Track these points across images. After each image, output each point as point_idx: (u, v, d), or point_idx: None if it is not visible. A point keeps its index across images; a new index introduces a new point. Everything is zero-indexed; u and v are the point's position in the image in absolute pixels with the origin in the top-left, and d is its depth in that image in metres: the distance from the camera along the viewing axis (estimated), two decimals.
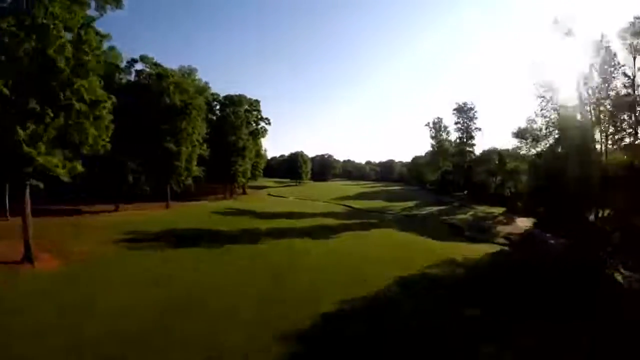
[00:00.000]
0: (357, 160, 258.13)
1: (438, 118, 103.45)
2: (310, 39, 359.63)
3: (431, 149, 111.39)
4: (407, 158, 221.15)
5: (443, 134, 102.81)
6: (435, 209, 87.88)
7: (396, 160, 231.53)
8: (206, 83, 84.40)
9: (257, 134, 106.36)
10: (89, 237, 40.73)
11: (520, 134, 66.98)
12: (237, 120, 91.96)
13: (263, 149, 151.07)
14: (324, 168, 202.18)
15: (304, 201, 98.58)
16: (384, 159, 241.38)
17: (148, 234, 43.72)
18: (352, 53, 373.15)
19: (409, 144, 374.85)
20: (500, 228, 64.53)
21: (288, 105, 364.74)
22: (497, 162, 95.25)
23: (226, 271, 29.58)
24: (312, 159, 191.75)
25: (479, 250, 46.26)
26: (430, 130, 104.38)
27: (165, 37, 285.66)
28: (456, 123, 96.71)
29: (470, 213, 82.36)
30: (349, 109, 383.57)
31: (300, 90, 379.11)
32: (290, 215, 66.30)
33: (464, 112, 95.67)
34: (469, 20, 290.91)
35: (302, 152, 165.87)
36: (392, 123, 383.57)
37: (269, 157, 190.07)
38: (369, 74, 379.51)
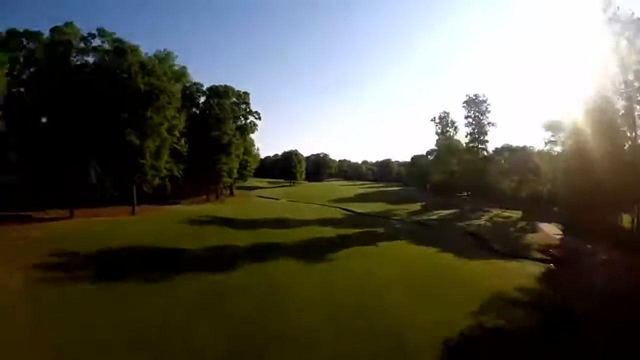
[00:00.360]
0: (353, 160, 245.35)
1: (445, 112, 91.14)
2: (307, 38, 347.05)
3: (436, 146, 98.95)
4: (404, 157, 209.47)
5: (451, 129, 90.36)
6: (445, 212, 75.72)
7: (393, 159, 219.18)
8: (184, 67, 71.45)
9: (246, 130, 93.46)
10: (4, 259, 28.34)
11: (552, 127, 55.45)
12: (221, 113, 79.34)
13: (255, 147, 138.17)
14: (319, 168, 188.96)
15: (296, 204, 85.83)
16: (380, 159, 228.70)
17: (80, 256, 31.08)
18: (349, 53, 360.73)
19: (406, 144, 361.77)
20: (529, 238, 52.98)
21: (284, 104, 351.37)
22: (510, 160, 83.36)
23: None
24: (307, 158, 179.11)
25: (523, 271, 34.48)
26: (436, 126, 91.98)
27: (164, 37, 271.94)
28: (466, 117, 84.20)
29: (486, 218, 70.58)
30: (345, 108, 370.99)
31: (297, 89, 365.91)
32: (279, 223, 53.69)
33: (475, 104, 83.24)
34: (470, 20, 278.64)
35: (296, 150, 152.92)
36: (389, 122, 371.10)
37: (262, 157, 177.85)
38: (366, 74, 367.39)
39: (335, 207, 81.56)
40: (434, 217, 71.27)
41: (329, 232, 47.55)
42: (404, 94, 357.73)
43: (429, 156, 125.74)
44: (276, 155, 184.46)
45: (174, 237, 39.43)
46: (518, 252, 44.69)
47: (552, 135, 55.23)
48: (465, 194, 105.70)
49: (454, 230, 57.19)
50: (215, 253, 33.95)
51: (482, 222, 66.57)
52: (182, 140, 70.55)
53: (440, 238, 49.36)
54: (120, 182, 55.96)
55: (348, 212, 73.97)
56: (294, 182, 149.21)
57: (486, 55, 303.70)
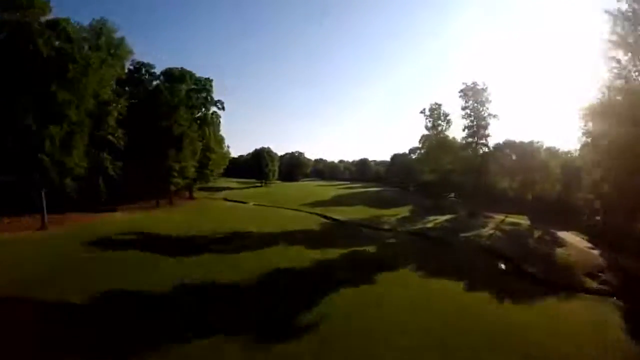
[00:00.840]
0: (329, 159, 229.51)
1: (436, 104, 77.20)
2: (284, 37, 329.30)
3: (419, 143, 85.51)
4: (381, 157, 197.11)
5: (443, 123, 76.79)
6: (441, 219, 62.57)
7: (370, 159, 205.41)
8: (122, 39, 55.49)
9: (206, 121, 77.75)
10: None
11: (592, 114, 42.74)
12: (174, 100, 63.65)
13: (225, 145, 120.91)
14: (293, 167, 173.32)
15: (265, 210, 70.47)
16: (357, 158, 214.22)
17: None
18: (328, 51, 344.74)
19: (384, 143, 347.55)
20: (561, 254, 41.42)
21: (259, 102, 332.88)
22: (513, 157, 70.97)
23: None
24: (282, 157, 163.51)
25: (599, 320, 22.36)
26: (427, 119, 77.97)
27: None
28: (463, 108, 70.49)
29: (492, 226, 57.85)
30: (322, 106, 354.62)
31: (272, 86, 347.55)
32: (234, 240, 38.74)
33: (474, 94, 70.01)
34: (465, 18, 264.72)
35: (268, 148, 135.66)
36: (366, 121, 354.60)
37: (236, 156, 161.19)
38: (344, 73, 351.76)
39: (311, 212, 66.89)
40: (430, 224, 57.95)
41: (302, 256, 32.87)
42: (382, 93, 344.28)
43: (411, 154, 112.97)
44: (249, 154, 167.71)
45: (40, 279, 23.77)
46: (563, 279, 32.33)
47: (585, 125, 42.48)
48: (453, 195, 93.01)
49: (464, 245, 43.88)
50: (93, 312, 18.77)
51: (490, 231, 53.71)
52: (119, 131, 55.05)
53: (454, 260, 35.84)
54: (21, 182, 40.37)
55: (326, 220, 59.50)
56: (265, 183, 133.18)
57: (476, 53, 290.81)
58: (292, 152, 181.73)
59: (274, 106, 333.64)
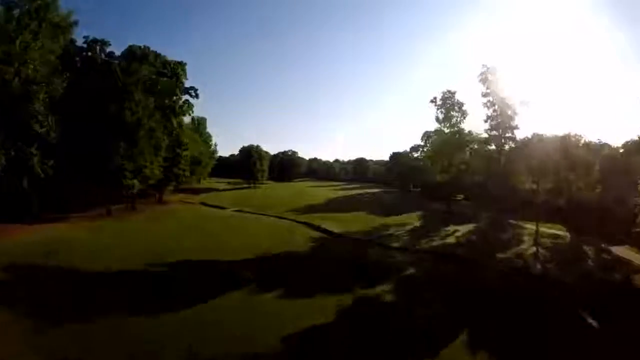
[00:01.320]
0: (324, 158, 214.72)
1: (449, 92, 63.97)
2: (279, 28, 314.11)
3: (422, 141, 72.93)
4: (379, 156, 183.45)
5: (457, 114, 63.58)
6: (462, 230, 49.82)
7: (368, 158, 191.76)
8: (70, 12, 42.68)
9: (175, 112, 63.83)
10: None
11: None
12: (128, 79, 49.88)
13: (212, 143, 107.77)
14: (286, 167, 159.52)
15: (245, 218, 56.44)
16: (353, 157, 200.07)
17: None
18: (324, 47, 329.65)
19: (382, 142, 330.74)
20: None
21: (250, 98, 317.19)
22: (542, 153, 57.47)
23: None
24: (274, 156, 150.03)
25: None
26: (438, 109, 64.52)
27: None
28: (484, 95, 57.61)
29: (528, 240, 45.19)
30: (319, 104, 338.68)
31: (270, 84, 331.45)
32: (171, 279, 25.07)
33: (497, 78, 57.02)
34: (474, 16, 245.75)
35: (257, 146, 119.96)
36: (363, 119, 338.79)
37: (227, 155, 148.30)
38: (343, 72, 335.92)
39: (300, 221, 53.25)
40: (451, 239, 44.89)
41: (269, 321, 19.00)
42: (381, 91, 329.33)
43: (413, 153, 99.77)
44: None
45: None
46: None
47: None
48: (464, 197, 79.72)
49: (506, 272, 30.76)
50: None
51: (531, 248, 40.86)
52: (50, 119, 41.67)
53: (511, 308, 22.55)
54: None
55: (318, 234, 45.92)
56: (254, 183, 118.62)
57: (479, 51, 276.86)
58: (285, 151, 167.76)
59: (270, 104, 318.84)
